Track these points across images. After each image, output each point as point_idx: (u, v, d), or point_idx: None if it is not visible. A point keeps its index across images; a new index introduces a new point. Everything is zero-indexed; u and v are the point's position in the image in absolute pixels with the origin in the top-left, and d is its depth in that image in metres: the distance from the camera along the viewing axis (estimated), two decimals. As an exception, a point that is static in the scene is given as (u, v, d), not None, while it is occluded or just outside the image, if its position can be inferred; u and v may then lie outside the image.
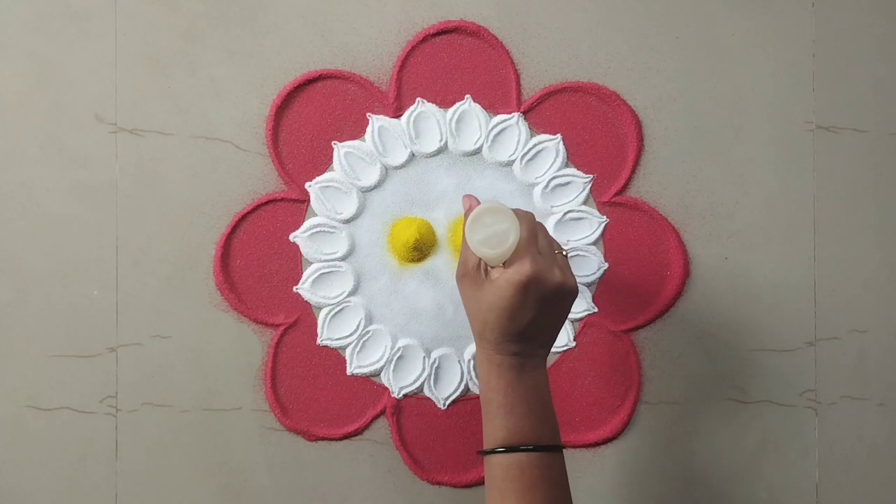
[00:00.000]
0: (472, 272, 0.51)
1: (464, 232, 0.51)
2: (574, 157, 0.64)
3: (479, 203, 0.54)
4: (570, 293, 0.51)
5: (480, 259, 0.51)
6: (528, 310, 0.49)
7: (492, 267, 0.51)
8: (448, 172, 0.63)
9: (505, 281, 0.49)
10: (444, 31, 0.63)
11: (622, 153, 0.64)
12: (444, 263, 0.62)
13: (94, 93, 0.61)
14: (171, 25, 0.62)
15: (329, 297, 0.62)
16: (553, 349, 0.63)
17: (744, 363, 0.65)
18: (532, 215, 0.53)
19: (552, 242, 0.53)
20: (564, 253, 0.53)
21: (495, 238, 0.49)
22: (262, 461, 0.62)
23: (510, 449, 0.49)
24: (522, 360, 0.50)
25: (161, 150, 0.61)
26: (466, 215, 0.53)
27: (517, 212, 0.52)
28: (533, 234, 0.51)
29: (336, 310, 0.62)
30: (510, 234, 0.49)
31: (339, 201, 0.62)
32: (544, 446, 0.49)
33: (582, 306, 0.64)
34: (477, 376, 0.52)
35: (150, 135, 0.61)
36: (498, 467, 0.49)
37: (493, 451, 0.49)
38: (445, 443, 0.63)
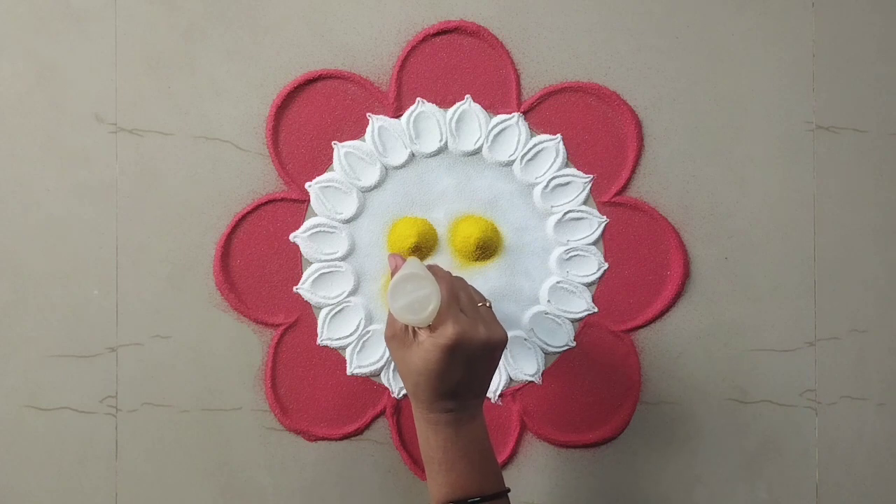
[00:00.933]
0: (400, 334, 0.51)
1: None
2: (574, 157, 0.64)
3: (402, 262, 0.55)
4: (497, 346, 0.51)
5: None
6: (456, 370, 0.50)
7: (419, 329, 0.51)
8: (448, 172, 0.63)
9: (431, 345, 0.49)
10: (444, 31, 0.63)
11: (622, 153, 0.64)
12: (443, 263, 0.62)
13: (94, 93, 0.61)
14: (171, 25, 0.62)
15: (329, 297, 0.62)
16: (553, 349, 0.63)
17: (744, 363, 0.65)
18: (450, 274, 0.54)
19: (473, 297, 0.53)
20: (488, 304, 0.54)
21: (417, 304, 0.49)
22: (262, 461, 0.62)
23: (456, 503, 0.49)
24: (457, 415, 0.51)
25: (161, 150, 0.61)
26: (392, 274, 0.54)
27: (436, 272, 0.52)
28: (453, 294, 0.51)
29: (336, 310, 0.62)
30: (431, 299, 0.49)
31: (339, 201, 0.62)
32: (489, 496, 0.50)
33: (582, 306, 0.64)
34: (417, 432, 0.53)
35: (150, 135, 0.61)
36: None
37: None
38: (445, 443, 0.63)
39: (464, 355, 0.49)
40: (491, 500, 0.50)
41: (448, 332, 0.49)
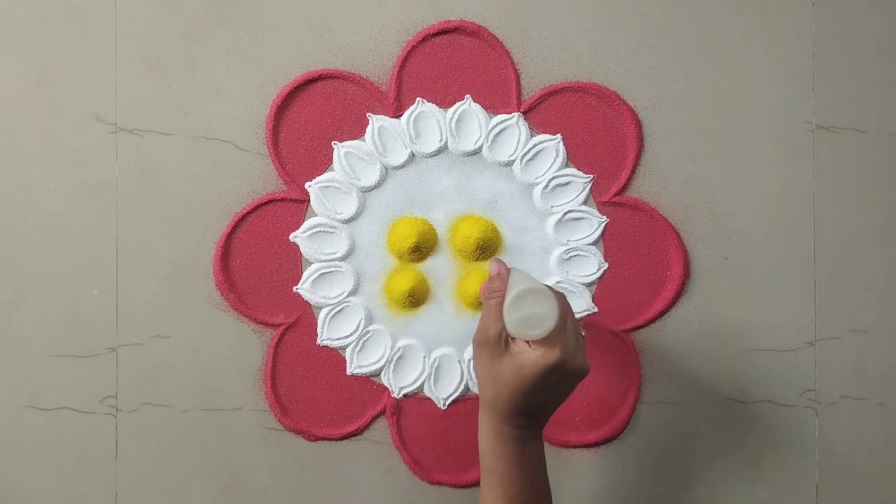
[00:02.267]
0: (493, 341, 0.51)
1: (482, 299, 0.53)
2: (574, 157, 0.64)
3: (507, 270, 0.55)
4: (584, 375, 0.51)
5: (503, 329, 0.51)
6: (545, 391, 0.50)
7: (512, 339, 0.51)
8: (448, 172, 0.63)
9: (531, 362, 0.49)
10: (444, 31, 0.63)
11: (622, 153, 0.64)
12: (443, 263, 0.62)
13: (94, 93, 0.61)
14: (171, 25, 0.62)
15: (329, 297, 0.62)
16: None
17: (744, 363, 0.65)
18: (564, 297, 0.53)
19: (577, 325, 0.53)
20: (583, 334, 0.53)
21: (535, 319, 0.49)
22: (262, 461, 0.62)
23: None
24: (528, 432, 0.51)
25: (161, 150, 0.61)
26: (494, 280, 0.54)
27: (554, 293, 0.51)
28: (564, 318, 0.51)
29: (336, 310, 0.62)
30: (549, 318, 0.49)
31: (339, 201, 0.62)
32: None
33: (582, 306, 0.64)
34: (479, 438, 0.53)
35: (150, 135, 0.61)
36: None
37: None
38: (445, 443, 0.63)
39: (559, 378, 0.50)
40: None
41: (554, 354, 0.49)
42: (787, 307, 0.65)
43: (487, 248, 0.62)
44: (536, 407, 0.51)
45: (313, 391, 0.62)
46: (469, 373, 0.62)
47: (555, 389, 0.50)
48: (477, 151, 0.63)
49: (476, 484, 0.62)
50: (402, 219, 0.62)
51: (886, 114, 0.67)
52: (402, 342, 0.62)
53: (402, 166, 0.63)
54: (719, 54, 0.65)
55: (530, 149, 0.63)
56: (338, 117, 0.62)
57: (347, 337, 0.62)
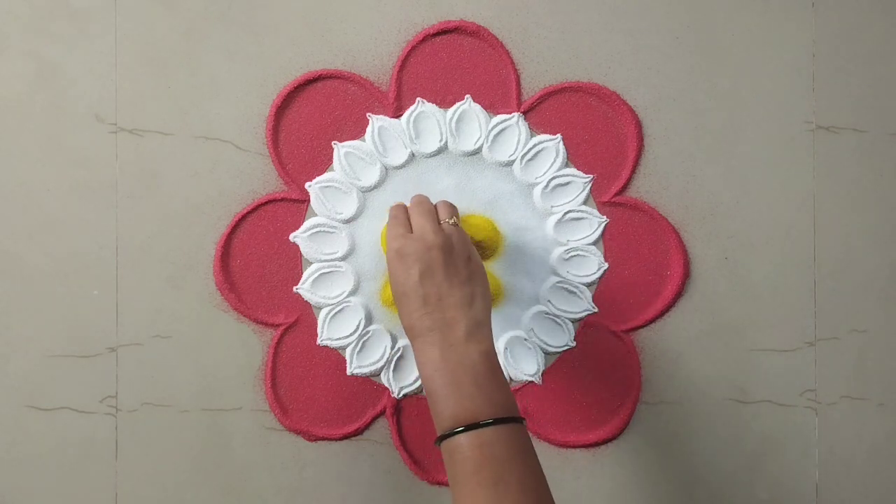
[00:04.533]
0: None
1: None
2: (574, 157, 0.64)
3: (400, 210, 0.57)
4: (433, 245, 0.52)
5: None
6: (410, 275, 0.51)
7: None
8: (448, 172, 0.63)
9: (387, 261, 0.53)
10: (444, 31, 0.63)
11: (622, 153, 0.64)
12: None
13: (94, 93, 0.61)
14: (171, 25, 0.62)
15: (329, 297, 0.62)
16: (553, 349, 0.63)
17: (744, 363, 0.65)
18: (418, 202, 0.56)
19: (430, 215, 0.55)
20: (450, 221, 0.55)
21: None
22: (262, 461, 0.62)
23: (446, 435, 0.47)
24: (442, 334, 0.49)
25: (161, 150, 0.61)
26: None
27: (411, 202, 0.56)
28: (398, 216, 0.55)
29: (336, 310, 0.62)
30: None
31: (339, 201, 0.62)
32: (492, 421, 0.47)
33: (582, 306, 0.64)
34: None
35: (150, 135, 0.61)
36: (445, 454, 0.47)
37: (439, 439, 0.48)
38: (445, 443, 0.63)
39: (410, 261, 0.51)
40: (494, 425, 0.47)
41: (392, 245, 0.52)
42: (787, 307, 0.65)
43: (487, 247, 0.62)
44: (424, 300, 0.50)
45: (313, 391, 0.62)
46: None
47: (424, 275, 0.51)
48: (477, 151, 0.63)
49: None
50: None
51: (886, 114, 0.67)
52: (402, 342, 0.62)
53: (402, 166, 0.63)
54: (719, 54, 0.65)
55: (530, 149, 0.63)
56: (338, 117, 0.62)
57: (347, 337, 0.62)
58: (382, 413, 0.62)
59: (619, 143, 0.64)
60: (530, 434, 0.63)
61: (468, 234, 0.61)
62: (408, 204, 0.58)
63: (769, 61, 0.66)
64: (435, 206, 0.57)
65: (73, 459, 0.61)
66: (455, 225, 0.55)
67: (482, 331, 0.51)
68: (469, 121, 0.63)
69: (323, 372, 0.62)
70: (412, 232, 0.54)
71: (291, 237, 0.62)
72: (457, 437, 0.47)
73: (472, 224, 0.62)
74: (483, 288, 0.53)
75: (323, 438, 0.62)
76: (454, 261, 0.52)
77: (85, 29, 0.61)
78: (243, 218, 0.62)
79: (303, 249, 0.62)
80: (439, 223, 0.54)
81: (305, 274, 0.62)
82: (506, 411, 0.48)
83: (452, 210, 0.57)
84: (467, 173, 0.63)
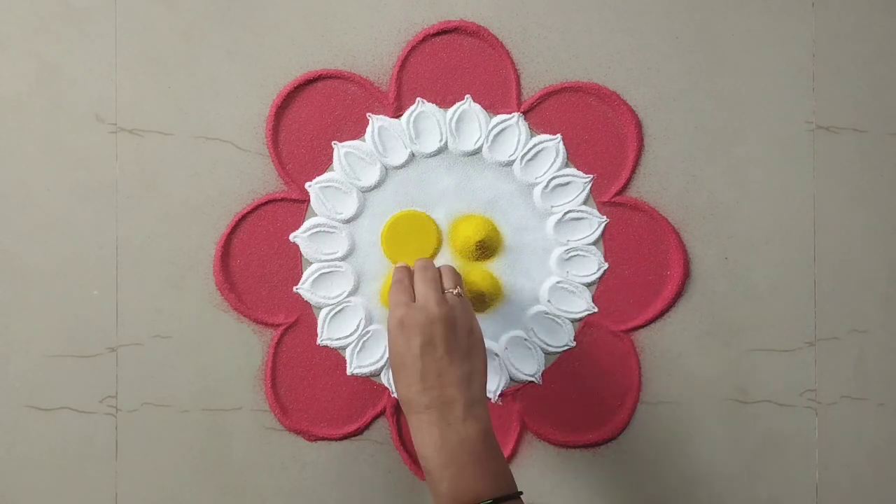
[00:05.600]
0: None
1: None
2: (574, 157, 0.64)
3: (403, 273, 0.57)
4: (437, 319, 0.51)
5: None
6: (410, 347, 0.50)
7: None
8: (448, 172, 0.63)
9: (388, 333, 0.52)
10: (444, 31, 0.63)
11: (622, 153, 0.64)
12: (443, 263, 0.62)
13: (94, 93, 0.61)
14: (171, 25, 0.62)
15: (329, 297, 0.62)
16: (553, 349, 0.63)
17: (744, 363, 0.65)
18: (423, 266, 0.55)
19: (433, 283, 0.53)
20: (454, 292, 0.54)
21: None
22: (262, 461, 0.62)
23: None
24: (440, 413, 0.49)
25: (161, 150, 0.61)
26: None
27: (416, 267, 0.56)
28: (400, 283, 0.54)
29: (336, 310, 0.62)
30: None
31: (339, 201, 0.62)
32: (492, 501, 0.47)
33: (582, 306, 0.64)
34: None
35: (150, 135, 0.61)
36: None
37: None
38: (445, 443, 0.63)
39: (412, 333, 0.50)
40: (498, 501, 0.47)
41: (394, 313, 0.52)
42: (787, 307, 0.65)
43: (487, 248, 0.62)
44: (423, 376, 0.49)
45: (313, 391, 0.62)
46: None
47: (425, 349, 0.50)
48: (477, 151, 0.63)
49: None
50: (404, 213, 0.62)
51: (886, 114, 0.67)
52: (402, 342, 0.62)
53: (402, 166, 0.63)
54: (719, 54, 0.65)
55: (530, 149, 0.63)
56: (338, 117, 0.62)
57: (347, 337, 0.62)
58: (382, 413, 0.62)
59: (619, 143, 0.64)
60: (532, 434, 0.63)
61: (467, 233, 0.62)
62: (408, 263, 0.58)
63: (769, 61, 0.66)
64: (439, 272, 0.56)
65: (73, 459, 0.61)
66: (459, 295, 0.54)
67: (479, 408, 0.50)
68: (469, 121, 0.63)
69: (323, 372, 0.62)
70: (415, 299, 0.53)
71: (291, 237, 0.62)
72: None
73: (472, 224, 0.62)
74: (481, 363, 0.52)
75: (323, 438, 0.62)
76: (456, 335, 0.51)
77: (85, 29, 0.61)
78: (243, 218, 0.62)
79: (303, 249, 0.62)
80: (443, 292, 0.53)
81: (305, 274, 0.62)
82: (507, 488, 0.49)
83: (457, 279, 0.56)
84: (467, 173, 0.63)
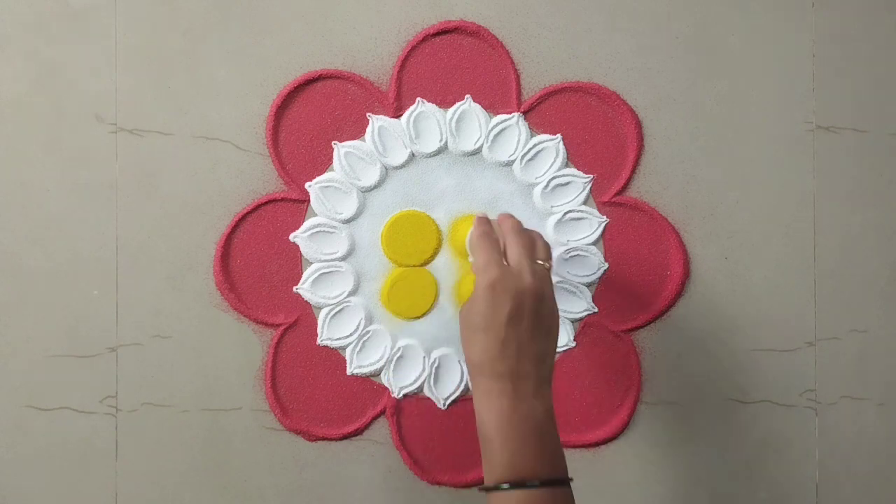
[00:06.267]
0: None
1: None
2: (574, 157, 0.64)
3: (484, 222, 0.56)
4: (528, 291, 0.50)
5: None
6: (497, 312, 0.49)
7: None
8: (448, 172, 0.63)
9: (475, 291, 0.50)
10: (444, 31, 0.63)
11: (622, 153, 0.64)
12: (443, 263, 0.62)
13: (94, 93, 0.61)
14: (171, 25, 0.62)
15: (329, 297, 0.62)
16: (553, 349, 0.63)
17: (744, 363, 0.65)
18: (513, 227, 0.54)
19: (526, 252, 0.52)
20: (547, 266, 0.53)
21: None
22: (262, 461, 0.62)
23: (498, 486, 0.47)
24: (512, 385, 0.49)
25: (161, 150, 0.61)
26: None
27: (502, 223, 0.55)
28: (493, 243, 0.52)
29: (336, 310, 0.62)
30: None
31: (339, 201, 0.62)
32: (540, 482, 0.47)
33: (582, 306, 0.64)
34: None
35: (150, 135, 0.61)
36: (494, 502, 0.48)
37: (491, 489, 0.48)
38: (445, 443, 0.63)
39: (504, 298, 0.49)
40: (541, 487, 0.47)
41: (489, 272, 0.50)
42: (787, 307, 0.65)
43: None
44: (504, 343, 0.49)
45: (313, 391, 0.62)
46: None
47: (512, 319, 0.49)
48: (477, 151, 0.63)
49: (476, 484, 0.62)
50: (404, 213, 0.62)
51: (886, 114, 0.67)
52: (402, 342, 0.62)
53: (402, 166, 0.63)
54: (719, 54, 0.65)
55: (530, 149, 0.63)
56: (338, 117, 0.62)
57: (347, 337, 0.62)
58: (382, 413, 0.62)
59: (619, 143, 0.64)
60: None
61: (466, 233, 0.61)
62: (490, 216, 0.57)
63: (769, 61, 0.66)
64: (531, 239, 0.54)
65: (73, 459, 0.61)
66: (549, 269, 0.53)
67: (547, 389, 0.50)
68: (469, 121, 0.63)
69: (323, 372, 0.62)
70: (506, 261, 0.52)
71: (291, 237, 0.62)
72: (510, 492, 0.47)
73: (471, 224, 0.62)
74: (555, 345, 0.52)
75: (323, 438, 0.62)
76: (542, 311, 0.50)
77: (85, 29, 0.61)
78: (243, 218, 0.62)
79: (303, 249, 0.62)
80: (535, 262, 0.52)
81: (305, 274, 0.62)
82: (561, 472, 0.49)
83: (548, 250, 0.54)
84: (467, 173, 0.63)
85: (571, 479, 0.49)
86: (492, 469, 0.48)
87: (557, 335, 0.52)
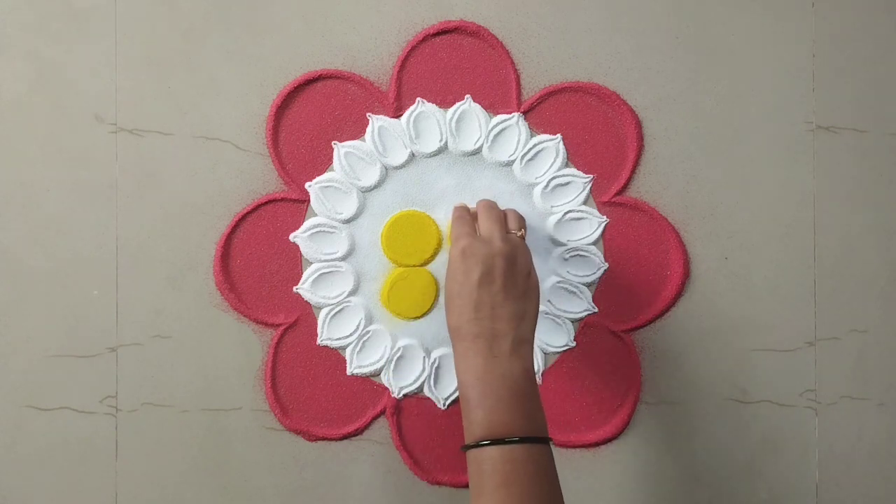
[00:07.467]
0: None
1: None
2: (574, 157, 0.64)
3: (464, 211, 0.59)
4: (499, 253, 0.52)
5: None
6: (469, 276, 0.51)
7: None
8: (448, 172, 0.63)
9: (449, 261, 0.53)
10: (444, 31, 0.63)
11: (622, 153, 0.64)
12: (442, 263, 0.62)
13: (94, 93, 0.61)
14: (171, 25, 0.62)
15: (329, 297, 0.62)
16: (553, 349, 0.63)
17: (744, 363, 0.65)
18: (486, 207, 0.56)
19: (499, 223, 0.54)
20: (519, 234, 0.55)
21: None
22: (262, 461, 0.62)
23: (478, 444, 0.48)
24: (488, 344, 0.50)
25: (161, 150, 0.61)
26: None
27: (479, 207, 0.57)
28: (464, 218, 0.56)
29: (336, 310, 0.62)
30: None
31: (339, 201, 0.62)
32: (520, 439, 0.47)
33: (582, 306, 0.64)
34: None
35: (150, 135, 0.61)
36: (472, 462, 0.48)
37: (471, 446, 0.48)
38: (445, 443, 0.63)
39: (473, 262, 0.51)
40: (517, 443, 0.47)
41: (459, 241, 0.53)
42: (787, 307, 0.65)
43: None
44: (478, 303, 0.50)
45: (313, 391, 0.62)
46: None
47: (484, 280, 0.51)
48: (477, 151, 0.63)
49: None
50: (403, 213, 0.62)
51: (886, 114, 0.67)
52: (402, 342, 0.62)
53: (402, 166, 0.63)
54: (719, 54, 0.65)
55: (530, 149, 0.63)
56: (338, 117, 0.62)
57: (347, 337, 0.62)
58: (382, 413, 0.62)
59: (619, 143, 0.64)
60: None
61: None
62: (471, 206, 0.60)
63: (769, 61, 0.66)
64: (504, 214, 0.57)
65: (73, 459, 0.61)
66: (521, 237, 0.55)
67: (526, 348, 0.51)
68: (469, 121, 0.63)
69: (323, 372, 0.62)
70: (479, 234, 0.54)
71: (291, 237, 0.62)
72: (488, 448, 0.47)
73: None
74: (534, 308, 0.53)
75: (323, 438, 0.62)
76: (515, 273, 0.52)
77: (85, 29, 0.61)
78: (243, 218, 0.62)
79: (303, 249, 0.62)
80: (508, 232, 0.54)
81: (305, 274, 0.62)
82: (540, 431, 0.49)
83: (521, 221, 0.57)
84: (467, 173, 0.63)
85: (551, 440, 0.49)
86: (470, 427, 0.49)
87: (537, 298, 0.53)
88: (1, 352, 0.60)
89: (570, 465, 0.64)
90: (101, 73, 0.61)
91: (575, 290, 0.63)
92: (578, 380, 0.64)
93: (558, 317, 0.63)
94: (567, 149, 0.64)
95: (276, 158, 0.62)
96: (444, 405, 0.62)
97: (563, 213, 0.63)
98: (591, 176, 0.64)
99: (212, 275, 0.61)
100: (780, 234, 0.66)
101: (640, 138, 0.64)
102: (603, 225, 0.64)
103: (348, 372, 0.62)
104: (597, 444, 0.64)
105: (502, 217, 0.56)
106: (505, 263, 0.52)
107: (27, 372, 0.60)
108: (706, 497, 0.65)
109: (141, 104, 0.61)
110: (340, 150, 0.62)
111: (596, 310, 0.64)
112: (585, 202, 0.64)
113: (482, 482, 0.47)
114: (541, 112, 0.64)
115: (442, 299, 0.62)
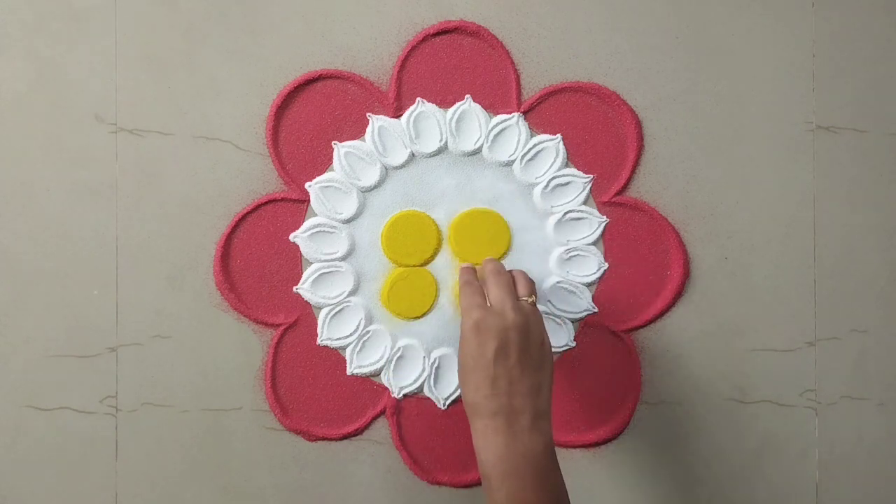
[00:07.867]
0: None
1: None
2: (574, 157, 0.64)
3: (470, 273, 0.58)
4: (512, 327, 0.51)
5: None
6: (484, 351, 0.50)
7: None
8: (448, 172, 0.63)
9: (461, 335, 0.52)
10: (444, 31, 0.63)
11: (622, 153, 0.64)
12: (443, 264, 0.62)
13: (94, 93, 0.61)
14: (171, 25, 0.62)
15: (329, 297, 0.62)
16: (553, 349, 0.63)
17: (744, 363, 0.65)
18: (494, 269, 0.56)
19: (507, 292, 0.53)
20: (530, 301, 0.54)
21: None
22: (262, 461, 0.62)
23: None
24: (507, 421, 0.49)
25: (161, 150, 0.61)
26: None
27: (483, 269, 0.57)
28: (474, 288, 0.55)
29: (336, 310, 0.62)
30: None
31: (339, 201, 0.62)
32: None
33: (582, 306, 0.64)
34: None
35: (150, 135, 0.61)
36: None
37: None
38: (445, 443, 0.63)
39: (488, 336, 0.50)
40: None
41: (471, 314, 0.51)
42: (787, 307, 0.65)
43: (498, 241, 0.62)
44: (494, 383, 0.50)
45: (313, 391, 0.62)
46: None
47: (498, 356, 0.50)
48: (477, 151, 0.63)
49: (476, 484, 0.62)
50: (403, 213, 0.62)
51: (886, 114, 0.67)
52: (402, 342, 0.62)
53: (402, 166, 0.63)
54: (719, 54, 0.65)
55: (530, 149, 0.63)
56: (338, 117, 0.62)
57: (347, 337, 0.62)
58: (382, 413, 0.62)
59: (619, 143, 0.64)
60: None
61: (476, 227, 0.62)
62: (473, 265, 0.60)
63: (769, 61, 0.66)
64: (512, 277, 0.56)
65: (73, 459, 0.61)
66: (533, 304, 0.54)
67: (544, 422, 0.51)
68: (469, 121, 0.63)
69: (323, 372, 0.62)
70: (489, 303, 0.53)
71: (291, 237, 0.62)
72: None
73: (480, 218, 0.62)
74: (550, 376, 0.52)
75: (323, 438, 0.62)
76: (529, 345, 0.51)
77: (85, 29, 0.61)
78: (243, 218, 0.62)
79: (303, 249, 0.62)
80: (518, 299, 0.54)
81: (305, 274, 0.62)
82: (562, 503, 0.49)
83: (531, 286, 0.56)
84: (467, 173, 0.63)
85: None
86: None
87: (551, 367, 0.53)
88: (1, 352, 0.60)
89: (571, 465, 0.64)
90: (101, 72, 0.61)
91: (575, 290, 0.63)
92: (578, 380, 0.64)
93: (558, 317, 0.63)
94: (567, 149, 0.64)
95: (276, 158, 0.62)
96: (444, 405, 0.62)
97: (563, 213, 0.63)
98: (591, 176, 0.64)
99: (212, 275, 0.61)
100: (780, 234, 0.66)
101: (640, 138, 0.64)
102: (603, 225, 0.64)
103: (348, 372, 0.62)
104: (597, 444, 0.64)
105: (511, 283, 0.55)
106: (519, 336, 0.51)
107: (27, 372, 0.60)
108: (706, 497, 0.65)
109: (141, 104, 0.61)
110: (340, 150, 0.62)
111: (596, 310, 0.64)
112: (585, 202, 0.64)
113: None
114: (541, 112, 0.64)
115: (442, 299, 0.63)
